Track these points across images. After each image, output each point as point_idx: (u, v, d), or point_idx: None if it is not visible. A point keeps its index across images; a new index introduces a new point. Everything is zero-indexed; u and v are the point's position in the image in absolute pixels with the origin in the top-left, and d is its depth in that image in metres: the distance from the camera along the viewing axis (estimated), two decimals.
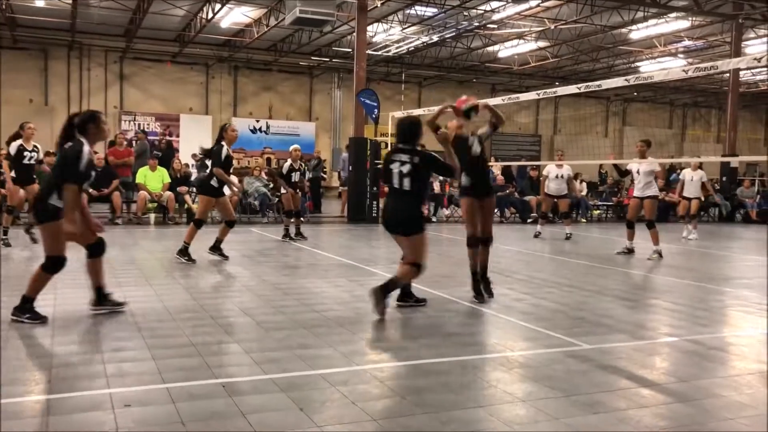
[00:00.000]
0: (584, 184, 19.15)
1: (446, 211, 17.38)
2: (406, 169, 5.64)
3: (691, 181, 13.91)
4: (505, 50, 25.28)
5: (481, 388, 3.91)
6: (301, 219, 12.17)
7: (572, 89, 10.18)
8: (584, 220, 18.11)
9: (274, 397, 3.61)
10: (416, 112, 17.64)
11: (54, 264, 5.11)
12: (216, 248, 8.81)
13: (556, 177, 13.19)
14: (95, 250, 5.44)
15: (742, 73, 23.60)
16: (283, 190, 11.65)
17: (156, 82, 26.49)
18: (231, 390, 3.69)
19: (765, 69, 25.90)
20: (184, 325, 5.19)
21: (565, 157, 15.16)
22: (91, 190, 12.85)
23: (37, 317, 5.09)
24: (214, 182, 8.56)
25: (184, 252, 8.47)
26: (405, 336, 5.10)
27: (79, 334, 4.86)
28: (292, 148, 11.77)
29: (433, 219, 16.58)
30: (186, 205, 14.16)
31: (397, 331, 5.34)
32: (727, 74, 21.21)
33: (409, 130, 5.81)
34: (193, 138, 25.12)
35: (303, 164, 11.84)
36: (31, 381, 3.89)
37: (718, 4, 18.97)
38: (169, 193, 13.83)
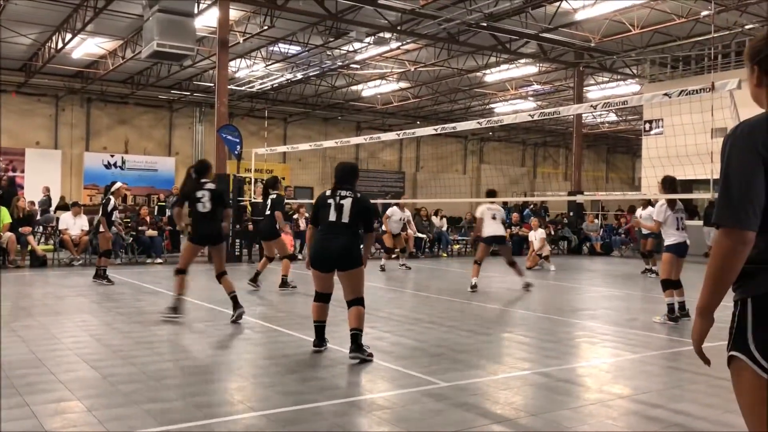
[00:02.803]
0: (444, 220, 19.81)
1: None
2: (347, 203, 5.69)
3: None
4: (368, 89, 25.91)
5: None
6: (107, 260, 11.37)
7: (430, 130, 10.56)
8: (445, 255, 18.69)
9: None
10: (281, 149, 17.61)
11: None
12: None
13: (399, 220, 14.25)
14: None
15: (584, 116, 25.61)
16: (101, 229, 10.84)
17: None
18: None
19: (604, 113, 28.28)
20: (19, 382, 4.74)
21: (427, 194, 15.97)
22: None
23: None
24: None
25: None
26: (262, 384, 4.96)
27: None
28: (118, 185, 11.11)
29: (299, 257, 16.44)
30: (29, 247, 13.13)
31: (254, 378, 5.17)
32: (571, 117, 22.95)
33: (350, 173, 5.95)
34: (41, 173, 23.52)
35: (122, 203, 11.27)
36: None
37: (561, 52, 20.56)
38: (9, 234, 12.76)
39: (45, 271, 12.59)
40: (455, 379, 5.08)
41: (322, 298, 5.87)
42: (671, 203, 7.85)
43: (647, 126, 22.39)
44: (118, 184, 11.14)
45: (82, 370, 5.19)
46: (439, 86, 25.24)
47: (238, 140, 15.38)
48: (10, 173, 21.93)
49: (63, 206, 17.40)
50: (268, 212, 10.32)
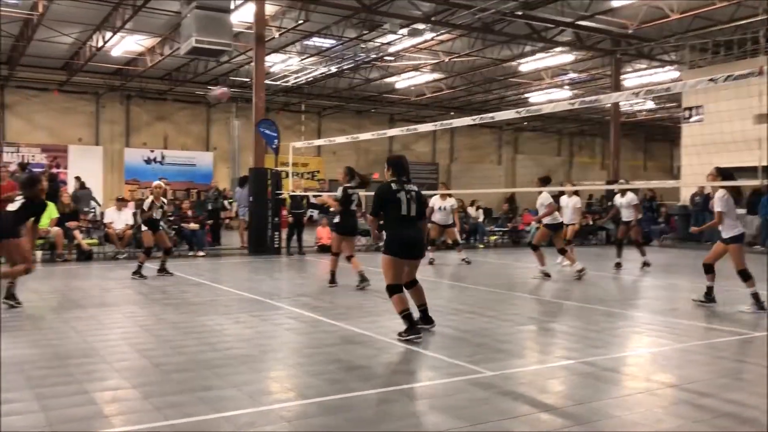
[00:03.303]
0: (480, 211, 19.74)
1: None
2: (414, 196, 6.19)
3: (567, 207, 14.06)
4: (401, 81, 25.89)
5: (387, 422, 3.92)
6: (164, 255, 11.36)
7: (467, 120, 10.52)
8: (481, 246, 18.63)
9: None
10: (317, 142, 17.73)
11: None
12: None
13: (440, 209, 13.54)
14: None
15: (622, 104, 25.24)
16: (143, 228, 11.03)
17: (42, 112, 25.23)
18: None
19: (641, 101, 27.81)
20: (76, 371, 4.92)
21: (461, 186, 15.59)
22: None
23: None
24: None
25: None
26: (309, 372, 5.05)
27: None
28: (154, 184, 11.31)
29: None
30: (76, 241, 13.47)
31: (300, 367, 5.27)
32: (609, 105, 22.63)
33: (406, 165, 6.41)
34: (83, 170, 24.03)
35: (165, 201, 11.35)
36: None
37: (598, 39, 20.28)
38: (57, 228, 13.11)
39: (91, 264, 12.91)
40: (500, 369, 5.10)
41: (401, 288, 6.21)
42: (731, 193, 7.73)
43: (687, 113, 21.97)
44: (156, 182, 11.41)
45: (135, 359, 5.34)
46: (474, 76, 25.09)
47: (275, 134, 15.55)
48: (54, 170, 22.49)
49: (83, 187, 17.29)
50: (354, 207, 9.77)
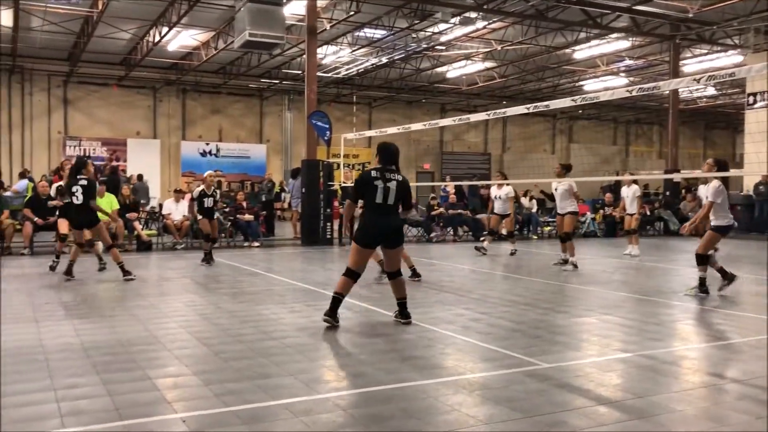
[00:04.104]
0: (534, 201, 19.48)
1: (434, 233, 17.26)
2: (392, 186, 6.13)
3: (627, 197, 13.82)
4: (453, 71, 25.69)
5: (442, 412, 3.92)
6: (212, 245, 11.78)
7: (521, 109, 10.38)
8: (535, 237, 18.41)
9: (234, 431, 3.55)
10: (368, 133, 17.77)
11: None
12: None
13: (496, 198, 13.51)
14: None
15: (681, 91, 24.49)
16: (199, 217, 11.59)
17: (102, 106, 26.00)
18: (192, 425, 3.62)
19: (702, 87, 26.93)
20: (138, 357, 5.07)
21: (514, 176, 15.38)
22: (36, 219, 12.49)
23: None
24: None
25: None
26: (363, 361, 5.08)
27: (30, 372, 4.69)
28: (207, 173, 11.78)
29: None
30: (135, 232, 13.87)
31: (355, 356, 5.32)
32: (668, 92, 21.99)
33: (395, 154, 6.36)
34: (141, 162, 24.74)
35: (217, 191, 11.82)
36: None
37: (656, 25, 19.70)
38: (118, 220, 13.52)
39: (150, 254, 13.27)
40: (556, 361, 5.04)
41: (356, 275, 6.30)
42: (725, 184, 8.05)
43: (751, 99, 21.19)
44: (207, 173, 11.78)
45: (194, 346, 5.48)
46: (526, 65, 24.71)
47: (327, 126, 15.65)
48: (114, 162, 23.17)
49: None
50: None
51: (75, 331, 5.93)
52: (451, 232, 17.70)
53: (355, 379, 4.67)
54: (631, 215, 13.66)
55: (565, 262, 11.22)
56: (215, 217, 11.80)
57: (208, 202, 11.37)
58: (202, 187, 11.49)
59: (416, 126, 13.38)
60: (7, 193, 14.56)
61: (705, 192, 8.17)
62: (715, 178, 7.98)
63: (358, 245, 6.20)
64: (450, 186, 20.21)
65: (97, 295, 8.27)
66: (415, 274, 9.40)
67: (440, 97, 31.07)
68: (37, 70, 24.32)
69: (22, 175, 18.04)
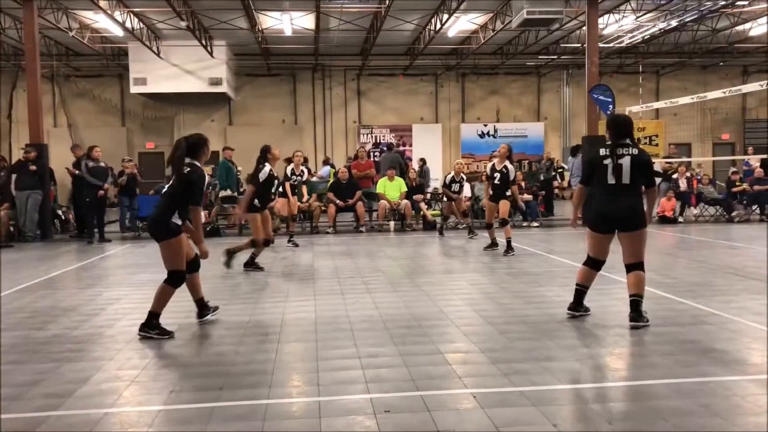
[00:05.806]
0: None
1: (694, 210, 16.03)
2: (626, 162, 5.44)
3: None
4: (757, 27, 22.63)
5: (752, 413, 3.56)
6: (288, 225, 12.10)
7: None
8: None
9: (523, 411, 3.62)
10: (656, 105, 16.54)
11: (177, 278, 5.42)
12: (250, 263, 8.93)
13: None
14: (193, 266, 5.73)
15: None
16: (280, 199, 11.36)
17: (389, 96, 27.93)
18: (482, 401, 3.77)
19: None
20: (430, 332, 5.41)
21: None
22: (338, 201, 13.94)
23: (165, 333, 5.35)
24: (255, 201, 8.70)
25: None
26: (655, 351, 4.80)
27: (340, 339, 5.28)
28: (294, 153, 11.81)
29: (680, 219, 15.43)
30: (421, 212, 14.72)
31: (647, 345, 5.04)
32: None
33: (627, 125, 5.67)
34: (425, 146, 26.15)
35: (304, 170, 12.08)
36: (302, 383, 4.32)
37: None
38: (406, 201, 14.48)
39: (434, 233, 13.94)
40: None
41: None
42: None
43: None
44: (295, 152, 11.99)
45: (480, 324, 5.67)
46: None
47: (610, 99, 14.92)
48: (400, 147, 24.81)
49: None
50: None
51: (374, 304, 6.52)
52: (757, 211, 15.78)
53: (646, 369, 4.43)
54: None
55: None
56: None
57: (296, 181, 11.77)
58: (291, 165, 11.77)
59: (714, 94, 12.13)
60: (313, 179, 16.48)
61: None
62: None
63: (591, 230, 5.73)
64: (754, 159, 17.98)
65: (391, 272, 8.95)
66: (509, 248, 9.52)
67: (742, 59, 27.65)
68: (334, 67, 26.98)
69: (325, 162, 20.28)
